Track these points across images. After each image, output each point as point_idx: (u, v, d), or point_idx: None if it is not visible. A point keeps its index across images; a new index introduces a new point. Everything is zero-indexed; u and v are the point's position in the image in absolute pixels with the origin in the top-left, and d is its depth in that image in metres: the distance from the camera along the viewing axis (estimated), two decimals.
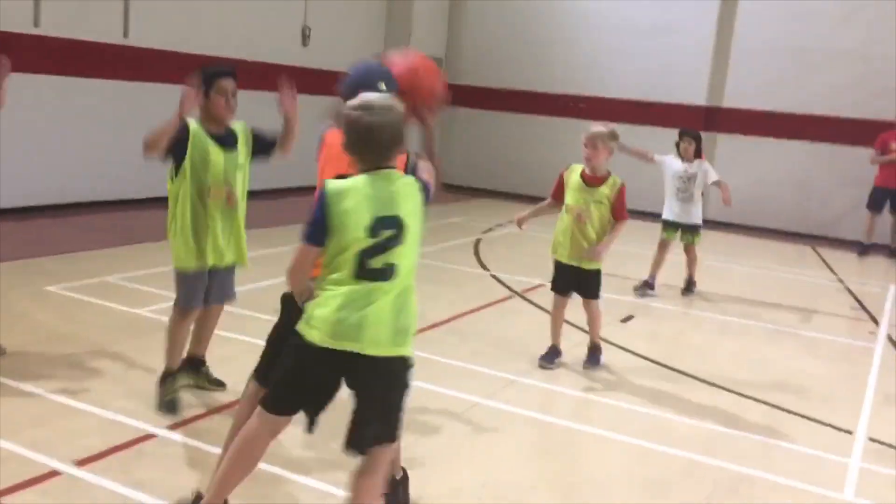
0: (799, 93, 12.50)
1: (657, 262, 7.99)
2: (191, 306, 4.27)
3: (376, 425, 2.80)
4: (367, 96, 2.80)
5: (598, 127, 5.33)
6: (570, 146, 13.93)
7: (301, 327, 2.76)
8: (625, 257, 9.98)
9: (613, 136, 5.34)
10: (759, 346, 6.61)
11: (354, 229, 2.69)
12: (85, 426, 3.98)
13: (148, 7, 9.86)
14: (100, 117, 9.51)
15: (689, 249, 8.02)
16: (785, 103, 12.61)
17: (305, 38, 12.55)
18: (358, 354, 2.70)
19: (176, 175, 4.14)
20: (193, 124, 4.14)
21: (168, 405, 4.19)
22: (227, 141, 4.22)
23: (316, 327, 2.71)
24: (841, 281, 9.48)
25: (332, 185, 2.74)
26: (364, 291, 2.70)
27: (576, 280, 5.50)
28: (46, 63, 8.84)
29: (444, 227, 11.03)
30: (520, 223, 5.62)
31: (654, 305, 7.60)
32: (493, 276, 8.15)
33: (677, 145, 7.96)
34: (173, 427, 4.05)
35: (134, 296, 6.18)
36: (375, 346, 2.71)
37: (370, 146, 2.74)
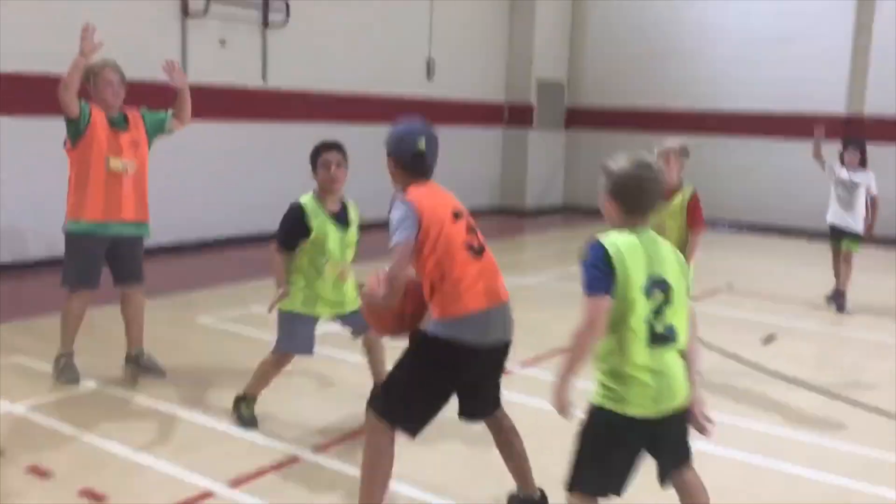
0: None
1: (841, 273, 7.84)
2: (285, 351, 4.49)
3: (681, 455, 2.94)
4: (636, 154, 2.89)
5: (672, 142, 5.37)
6: (699, 164, 13.64)
7: (609, 404, 2.75)
8: (759, 273, 9.62)
9: (685, 151, 5.35)
10: None
11: (635, 289, 2.66)
12: (235, 449, 4.21)
13: (283, 52, 10.42)
14: (242, 157, 10.09)
15: (846, 256, 7.84)
16: None
17: (430, 70, 12.87)
18: (667, 415, 2.75)
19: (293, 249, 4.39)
20: (307, 201, 4.39)
21: (249, 421, 4.46)
22: (341, 218, 4.48)
23: (632, 401, 2.71)
24: None
25: (614, 239, 2.73)
26: (660, 357, 2.72)
27: None
28: (194, 109, 9.44)
29: (572, 250, 10.95)
30: None
31: (796, 325, 7.27)
32: None
33: (841, 155, 7.95)
34: (317, 450, 4.22)
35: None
36: (682, 398, 2.80)
37: (642, 203, 2.79)
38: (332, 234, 4.40)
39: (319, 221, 4.37)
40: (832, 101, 12.63)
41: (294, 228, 4.37)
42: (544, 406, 4.86)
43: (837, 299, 7.84)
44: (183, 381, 5.18)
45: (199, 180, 9.69)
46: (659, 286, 2.69)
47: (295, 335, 4.45)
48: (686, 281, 2.84)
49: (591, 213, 14.40)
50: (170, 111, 5.31)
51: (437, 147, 3.50)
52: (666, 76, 13.99)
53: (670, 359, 2.74)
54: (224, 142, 9.86)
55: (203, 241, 9.77)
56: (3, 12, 7.84)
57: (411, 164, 3.44)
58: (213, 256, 9.42)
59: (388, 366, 3.74)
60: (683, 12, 13.73)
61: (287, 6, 10.14)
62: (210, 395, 4.93)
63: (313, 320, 4.48)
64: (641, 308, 2.66)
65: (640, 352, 2.68)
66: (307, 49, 10.77)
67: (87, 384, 5.06)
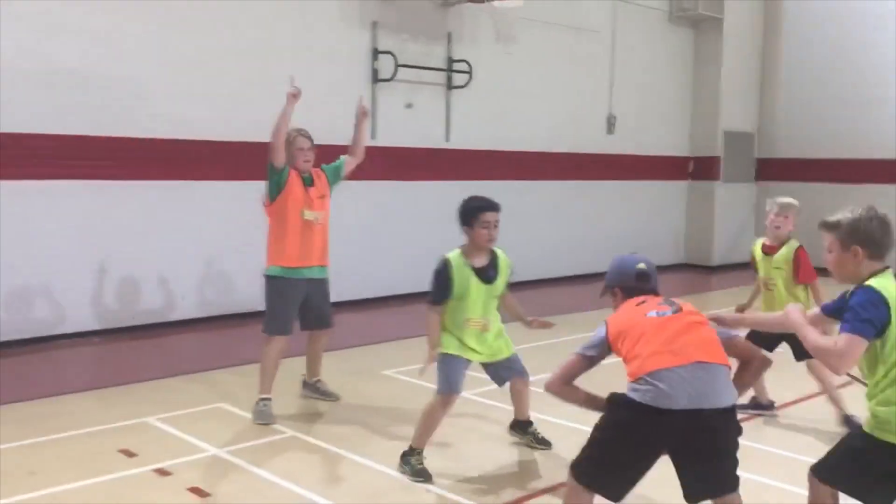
0: None
1: None
2: (443, 392, 4.55)
3: None
4: (853, 207, 3.07)
5: (786, 199, 5.88)
6: None
7: (878, 433, 2.93)
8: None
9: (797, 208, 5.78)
10: None
11: None
12: (418, 500, 4.26)
13: (466, 112, 10.75)
14: (425, 215, 10.41)
15: None
16: None
17: (611, 125, 12.79)
18: None
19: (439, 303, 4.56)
20: (454, 257, 4.54)
21: (420, 473, 4.48)
22: (487, 273, 4.57)
23: (891, 430, 2.89)
24: None
25: (884, 283, 2.92)
26: None
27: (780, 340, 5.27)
28: (381, 169, 9.93)
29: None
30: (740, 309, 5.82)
31: None
32: None
33: None
34: None
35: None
36: None
37: (886, 243, 3.03)
38: (475, 289, 4.52)
39: (463, 277, 4.49)
40: None
41: (446, 283, 4.50)
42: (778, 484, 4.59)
43: None
44: (364, 430, 5.33)
45: (386, 236, 10.09)
46: None
47: (450, 376, 4.55)
48: None
49: None
50: (343, 157, 5.93)
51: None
52: (863, 123, 13.08)
53: None
54: (410, 200, 10.24)
55: (392, 295, 10.11)
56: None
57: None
58: (399, 311, 9.71)
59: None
60: (883, 54, 12.84)
61: (470, 68, 10.48)
62: (394, 445, 5.04)
63: (465, 362, 4.60)
64: None
65: None
66: (489, 109, 11.04)
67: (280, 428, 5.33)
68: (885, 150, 12.92)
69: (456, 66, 10.53)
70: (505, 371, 4.81)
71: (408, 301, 10.10)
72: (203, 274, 8.72)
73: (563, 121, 12.07)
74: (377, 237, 10.02)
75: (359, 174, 9.85)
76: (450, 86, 10.57)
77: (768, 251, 5.71)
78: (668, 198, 13.90)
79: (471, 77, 10.51)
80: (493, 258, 4.64)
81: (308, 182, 5.61)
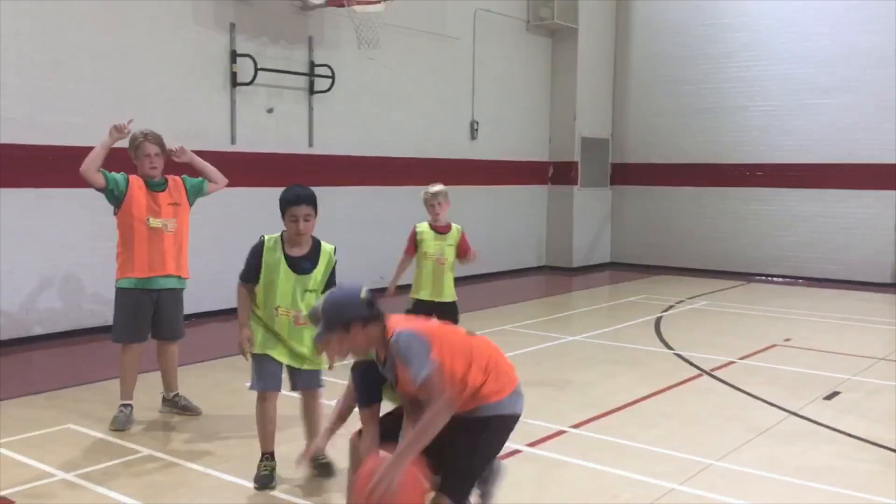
0: None
1: None
2: (255, 390, 4.48)
3: None
4: None
5: (437, 187, 6.20)
6: (750, 216, 13.52)
7: None
8: (817, 326, 9.34)
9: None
10: None
11: None
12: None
13: (328, 118, 10.63)
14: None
15: None
16: None
17: (474, 131, 13.00)
18: None
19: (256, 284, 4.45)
20: (271, 240, 4.44)
21: (258, 479, 4.40)
22: (301, 263, 4.42)
23: None
24: None
25: None
26: None
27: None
28: (242, 176, 9.66)
29: (621, 307, 10.81)
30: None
31: (860, 379, 7.00)
32: (678, 355, 7.85)
33: None
34: None
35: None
36: None
37: None
38: (284, 276, 4.38)
39: (273, 261, 4.38)
40: (883, 150, 12.40)
41: (253, 261, 4.44)
42: (597, 467, 4.75)
43: None
44: (236, 445, 5.16)
45: (246, 245, 9.79)
46: None
47: (259, 372, 4.44)
48: None
49: (638, 269, 14.25)
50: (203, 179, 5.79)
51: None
52: (710, 130, 13.92)
53: None
54: (270, 208, 9.99)
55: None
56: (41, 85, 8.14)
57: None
58: None
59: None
60: (726, 65, 13.71)
61: (333, 73, 10.38)
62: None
63: (276, 360, 4.45)
64: None
65: None
66: (352, 115, 10.98)
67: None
68: (727, 155, 13.78)
69: (318, 70, 10.40)
70: (303, 380, 4.56)
71: None
72: (49, 287, 8.20)
73: (427, 126, 12.16)
74: (235, 246, 9.70)
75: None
76: (312, 90, 10.43)
77: (442, 231, 6.19)
78: (529, 202, 14.26)
79: (333, 82, 10.41)
80: (315, 251, 4.50)
81: (156, 188, 5.47)
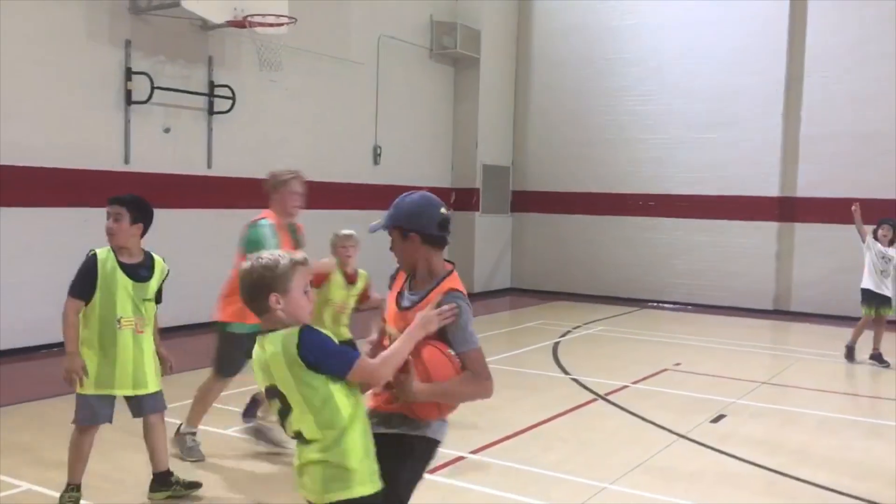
0: (872, 177, 12.22)
1: (875, 335, 9.08)
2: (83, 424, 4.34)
3: None
4: None
5: (347, 231, 5.94)
6: (644, 244, 14.00)
7: None
8: (702, 353, 9.73)
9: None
10: (860, 443, 6.25)
11: None
12: None
13: (228, 140, 10.44)
14: (185, 245, 9.93)
15: (879, 320, 9.08)
16: (860, 189, 12.23)
17: (377, 157, 13.02)
18: None
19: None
20: (102, 251, 4.33)
21: None
22: (137, 270, 4.37)
23: None
24: None
25: None
26: None
27: None
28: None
29: (520, 332, 10.97)
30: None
31: (744, 402, 7.31)
32: (575, 380, 8.01)
33: (875, 231, 9.14)
34: None
35: (222, 416, 6.27)
36: None
37: None
38: (123, 284, 4.26)
39: (108, 271, 4.24)
40: (766, 184, 13.08)
41: (88, 273, 4.22)
42: (496, 493, 4.78)
43: (878, 358, 9.00)
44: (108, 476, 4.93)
45: None
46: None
47: (94, 408, 4.26)
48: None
49: (537, 295, 14.52)
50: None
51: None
52: (606, 161, 14.37)
53: None
54: (169, 229, 9.71)
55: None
56: None
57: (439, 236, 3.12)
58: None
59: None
60: (621, 98, 14.23)
61: (233, 94, 10.21)
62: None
63: (112, 397, 4.31)
64: None
65: None
66: (254, 137, 10.82)
67: None
68: (622, 185, 14.24)
69: (218, 90, 10.21)
70: (149, 405, 4.43)
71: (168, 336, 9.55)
72: None
73: (331, 150, 12.09)
74: None
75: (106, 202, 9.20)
76: (211, 111, 10.22)
77: (351, 280, 5.78)
78: None
79: (234, 103, 10.23)
80: (149, 260, 4.49)
81: (293, 231, 5.59)
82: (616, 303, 13.74)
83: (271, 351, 2.64)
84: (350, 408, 2.67)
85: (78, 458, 4.33)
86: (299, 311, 2.71)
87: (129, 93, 9.21)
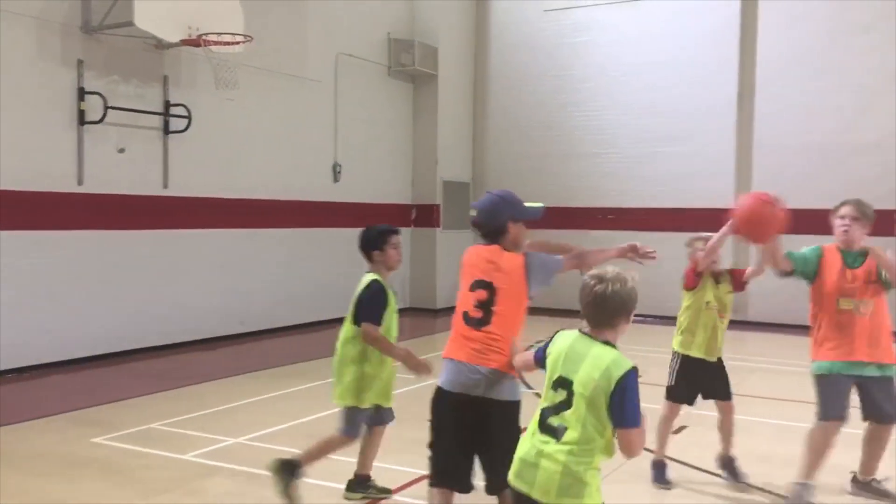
0: (822, 188, 12.49)
1: None
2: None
3: None
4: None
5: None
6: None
7: None
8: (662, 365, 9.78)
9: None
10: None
11: None
12: None
13: (185, 159, 10.32)
14: (141, 266, 9.77)
15: None
16: (811, 200, 12.50)
17: (337, 174, 12.97)
18: None
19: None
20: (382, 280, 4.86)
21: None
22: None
23: None
24: None
25: None
26: None
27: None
28: (90, 218, 9.20)
29: None
30: None
31: (704, 413, 7.36)
32: (538, 394, 7.97)
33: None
34: None
35: (177, 441, 6.16)
36: None
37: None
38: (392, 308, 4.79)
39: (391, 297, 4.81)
40: (721, 196, 13.27)
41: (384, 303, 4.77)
42: None
43: None
44: None
45: (99, 291, 9.32)
46: None
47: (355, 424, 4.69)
48: None
49: None
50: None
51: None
52: (563, 175, 14.50)
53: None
54: (124, 251, 9.56)
55: (109, 352, 9.35)
56: None
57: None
58: (117, 370, 8.97)
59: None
60: (575, 114, 14.37)
61: (189, 113, 10.10)
62: None
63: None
64: None
65: None
66: (211, 156, 10.71)
67: None
68: (579, 199, 14.35)
69: (174, 110, 10.10)
70: (386, 415, 4.90)
71: (125, 359, 9.39)
72: None
73: (290, 168, 12.02)
74: (83, 291, 9.20)
75: (61, 222, 9.13)
76: (167, 131, 10.10)
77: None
78: None
79: (190, 122, 10.13)
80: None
81: (852, 262, 5.19)
82: (577, 316, 13.76)
83: (593, 364, 2.93)
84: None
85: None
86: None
87: (81, 113, 9.07)
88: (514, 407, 3.76)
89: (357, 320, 4.68)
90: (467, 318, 3.84)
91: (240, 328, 10.93)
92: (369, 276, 4.84)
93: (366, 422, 4.74)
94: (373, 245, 4.95)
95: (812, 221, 13.44)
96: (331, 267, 12.41)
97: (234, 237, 11.04)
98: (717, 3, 13.29)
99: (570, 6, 14.45)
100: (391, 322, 4.74)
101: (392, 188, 14.30)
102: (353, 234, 4.76)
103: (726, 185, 13.27)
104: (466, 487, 3.80)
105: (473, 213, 4.13)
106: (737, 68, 13.16)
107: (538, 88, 14.65)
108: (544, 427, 2.92)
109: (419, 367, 4.62)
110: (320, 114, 12.65)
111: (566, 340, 3.03)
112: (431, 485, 3.88)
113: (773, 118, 12.95)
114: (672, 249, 14.59)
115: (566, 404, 2.88)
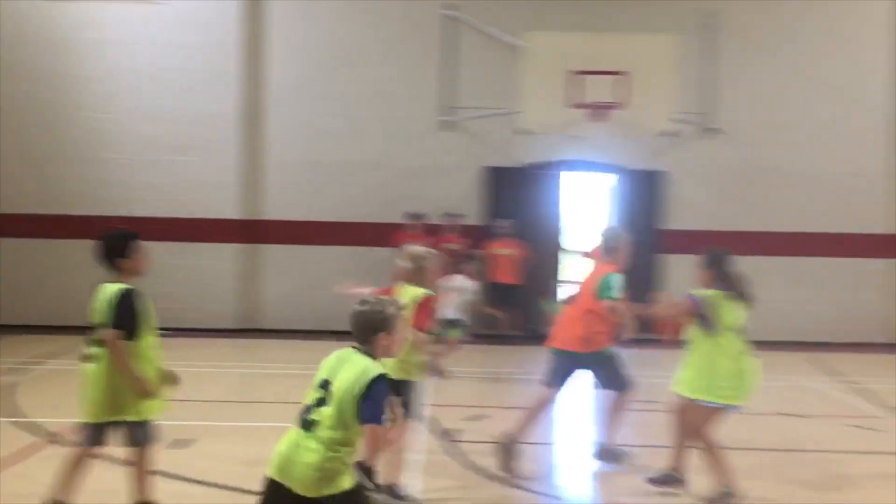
0: (323, 203, 13.57)
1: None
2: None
3: None
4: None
5: None
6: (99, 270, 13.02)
7: None
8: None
9: None
10: None
11: None
12: None
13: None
14: None
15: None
16: (315, 213, 13.52)
17: None
18: None
19: None
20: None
21: None
22: None
23: None
24: None
25: None
26: None
27: None
28: None
29: None
30: None
31: (209, 424, 7.34)
32: (29, 422, 7.18)
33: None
34: None
35: None
36: None
37: None
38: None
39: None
40: (227, 207, 13.46)
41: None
42: None
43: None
44: None
45: None
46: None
47: None
48: None
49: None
50: None
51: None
52: (67, 180, 13.35)
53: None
54: None
55: None
56: None
57: None
58: None
59: None
60: (86, 119, 13.37)
61: None
62: None
63: None
64: None
65: None
66: None
67: None
68: (84, 206, 13.17)
69: None
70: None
71: None
72: None
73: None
74: None
75: None
76: None
77: None
78: None
79: None
80: None
81: None
82: (75, 332, 12.63)
83: (350, 369, 3.47)
84: None
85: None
86: None
87: None
88: None
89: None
90: None
91: None
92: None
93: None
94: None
95: (323, 232, 14.26)
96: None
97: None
98: (223, 18, 13.40)
99: None
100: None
101: None
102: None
103: (233, 197, 13.50)
104: None
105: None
106: (242, 85, 13.44)
107: (53, 86, 13.30)
108: (304, 422, 3.43)
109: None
110: None
111: (339, 351, 3.55)
112: None
113: (282, 136, 13.61)
114: (182, 259, 14.30)
115: (324, 402, 3.40)
